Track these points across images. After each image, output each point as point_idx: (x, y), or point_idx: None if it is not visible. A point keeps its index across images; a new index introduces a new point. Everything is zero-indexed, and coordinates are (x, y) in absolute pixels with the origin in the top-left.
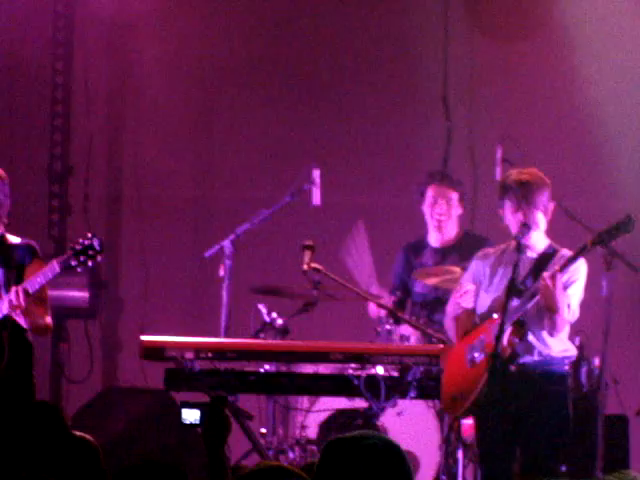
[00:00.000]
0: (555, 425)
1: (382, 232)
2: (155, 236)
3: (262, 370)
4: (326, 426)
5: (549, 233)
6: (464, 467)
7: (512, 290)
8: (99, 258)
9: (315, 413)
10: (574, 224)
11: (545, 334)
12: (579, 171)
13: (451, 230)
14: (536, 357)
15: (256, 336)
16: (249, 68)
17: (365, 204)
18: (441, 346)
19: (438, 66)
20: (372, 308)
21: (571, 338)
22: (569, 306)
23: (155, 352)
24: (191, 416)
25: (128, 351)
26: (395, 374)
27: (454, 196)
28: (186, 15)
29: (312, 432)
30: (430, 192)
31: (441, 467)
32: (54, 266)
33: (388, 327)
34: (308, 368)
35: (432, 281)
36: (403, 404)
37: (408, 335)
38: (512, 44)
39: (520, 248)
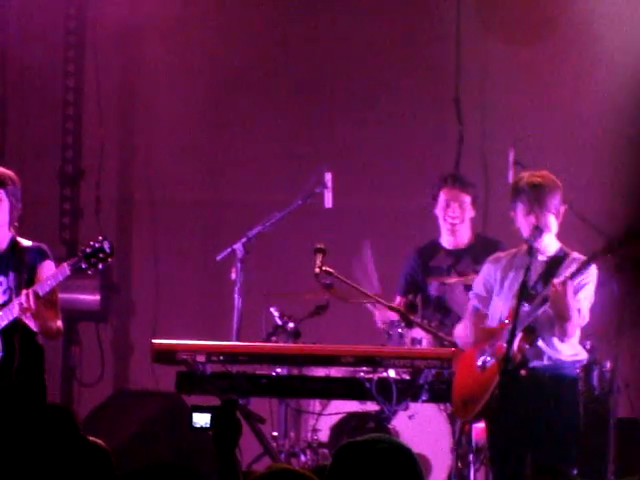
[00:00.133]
0: (566, 428)
1: (394, 235)
2: (167, 239)
3: (274, 373)
4: (338, 429)
5: (559, 236)
6: (475, 470)
7: (523, 294)
8: (109, 261)
9: (327, 416)
10: (585, 226)
11: (555, 339)
12: (590, 173)
13: (464, 233)
14: (546, 361)
15: (268, 339)
16: (261, 71)
17: (377, 207)
18: (453, 349)
19: (450, 69)
20: (379, 317)
21: (582, 341)
22: (579, 310)
23: (166, 355)
24: (202, 420)
25: (139, 354)
26: (407, 377)
27: (467, 199)
28: (198, 18)
29: (324, 435)
30: (443, 195)
31: (453, 470)
32: (64, 269)
33: (400, 330)
34: (320, 371)
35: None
36: (415, 407)
37: (420, 338)
38: (525, 46)
39: (532, 251)
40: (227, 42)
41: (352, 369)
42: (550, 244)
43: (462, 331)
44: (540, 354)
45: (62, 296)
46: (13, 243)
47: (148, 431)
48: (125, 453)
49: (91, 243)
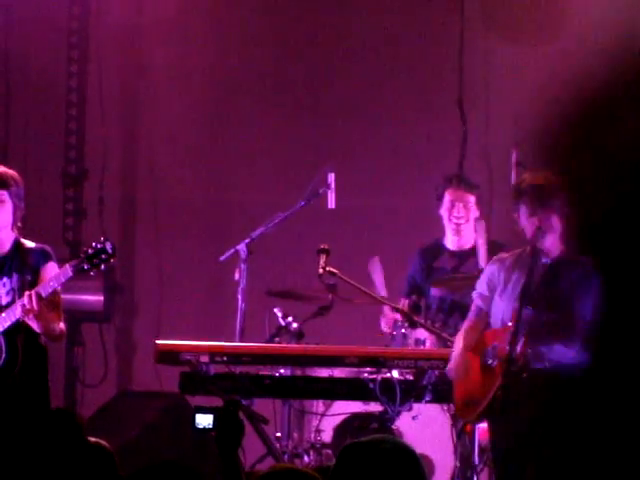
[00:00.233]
0: (569, 430)
1: (397, 235)
2: (170, 240)
3: (277, 374)
4: (341, 430)
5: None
6: (479, 471)
7: (525, 297)
8: (111, 261)
9: (330, 417)
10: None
11: (559, 345)
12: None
13: (469, 234)
14: (548, 364)
15: (271, 340)
16: (264, 72)
17: (381, 208)
18: None
19: (453, 70)
20: (385, 322)
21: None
22: (585, 315)
23: (170, 356)
24: (205, 421)
25: (143, 355)
26: (410, 378)
27: (471, 199)
28: (201, 20)
29: (327, 436)
30: (448, 195)
31: (456, 471)
32: (67, 270)
33: (403, 331)
34: (323, 372)
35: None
36: (418, 408)
37: (423, 339)
38: (528, 47)
39: (535, 253)
40: (229, 43)
41: (356, 370)
42: (554, 246)
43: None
44: (542, 357)
45: (65, 297)
46: (16, 244)
47: (151, 432)
48: (128, 454)
49: (93, 244)
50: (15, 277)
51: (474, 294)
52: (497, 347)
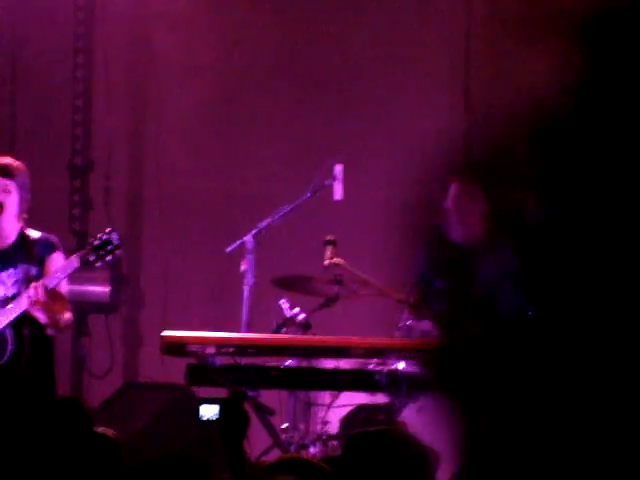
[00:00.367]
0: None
1: (403, 227)
2: (176, 231)
3: (283, 365)
4: (347, 421)
5: None
6: None
7: None
8: (118, 253)
9: (336, 408)
10: None
11: None
12: None
13: (475, 226)
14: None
15: (278, 331)
16: (272, 63)
17: (386, 199)
18: None
19: (460, 60)
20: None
21: None
22: None
23: (176, 347)
24: (209, 412)
25: (149, 346)
26: (416, 369)
27: (478, 191)
28: (209, 9)
29: (333, 427)
30: (454, 188)
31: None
32: (73, 261)
33: (409, 322)
34: (329, 363)
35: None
36: (424, 399)
37: (429, 331)
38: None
39: None
40: (238, 34)
41: (362, 361)
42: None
43: None
44: None
45: (72, 288)
46: (21, 235)
47: (158, 423)
48: (135, 445)
49: (99, 235)
50: (20, 268)
51: None
52: None
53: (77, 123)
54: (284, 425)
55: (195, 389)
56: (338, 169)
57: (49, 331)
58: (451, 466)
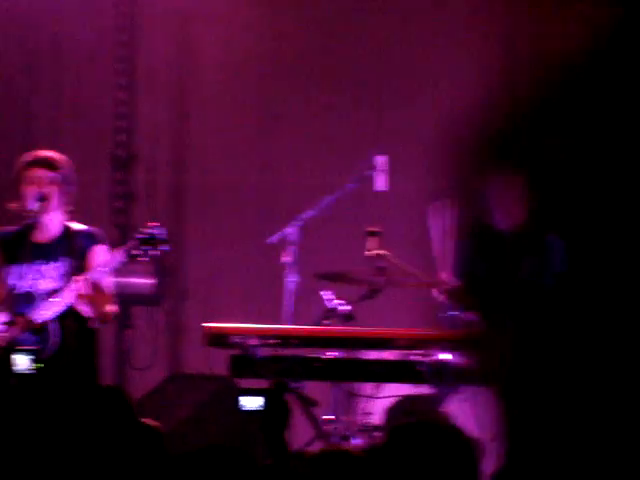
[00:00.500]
0: None
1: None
2: (219, 223)
3: (326, 357)
4: (391, 412)
5: None
6: None
7: None
8: (163, 248)
9: (380, 399)
10: None
11: None
12: None
13: (518, 213)
14: None
15: (320, 322)
16: (313, 56)
17: (430, 190)
18: None
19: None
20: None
21: None
22: None
23: (219, 339)
24: (251, 403)
25: (192, 338)
26: (460, 360)
27: (519, 180)
28: (251, 3)
29: (377, 418)
30: (497, 175)
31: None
32: (118, 255)
33: (453, 313)
34: (373, 354)
35: None
36: (468, 390)
37: (473, 321)
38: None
39: None
40: (280, 27)
41: (405, 352)
42: None
43: None
44: None
45: (116, 280)
46: (66, 228)
47: (201, 415)
48: (178, 436)
49: (146, 230)
50: (64, 261)
51: None
52: None
53: (120, 116)
54: (328, 417)
55: (238, 381)
56: (380, 160)
57: (93, 324)
58: (495, 457)
